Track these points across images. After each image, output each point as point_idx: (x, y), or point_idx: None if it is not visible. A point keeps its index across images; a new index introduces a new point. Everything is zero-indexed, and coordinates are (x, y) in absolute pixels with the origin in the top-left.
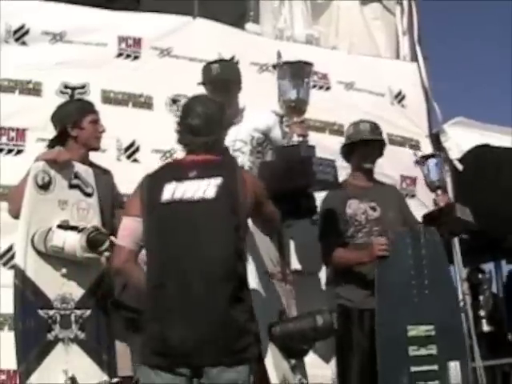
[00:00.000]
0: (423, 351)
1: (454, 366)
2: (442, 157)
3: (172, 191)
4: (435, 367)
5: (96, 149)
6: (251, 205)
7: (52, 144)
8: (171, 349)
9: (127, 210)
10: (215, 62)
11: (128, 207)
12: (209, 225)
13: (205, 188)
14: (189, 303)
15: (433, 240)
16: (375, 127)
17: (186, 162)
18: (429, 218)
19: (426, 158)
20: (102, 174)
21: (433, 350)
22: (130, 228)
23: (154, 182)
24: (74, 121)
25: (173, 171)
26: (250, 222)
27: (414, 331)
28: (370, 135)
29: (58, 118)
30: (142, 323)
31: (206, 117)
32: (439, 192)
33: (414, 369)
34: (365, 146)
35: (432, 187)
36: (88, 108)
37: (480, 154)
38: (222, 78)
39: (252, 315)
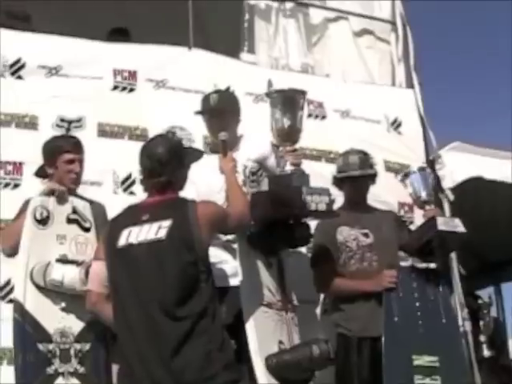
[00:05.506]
0: (428, 381)
1: None
2: (426, 171)
3: (127, 235)
4: None
5: (70, 189)
6: (211, 234)
7: (39, 173)
8: None
9: (95, 253)
10: (215, 92)
11: (96, 251)
12: (161, 265)
13: (156, 230)
14: (146, 342)
15: (436, 275)
16: (365, 159)
17: (142, 205)
18: (414, 236)
19: (409, 174)
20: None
21: (437, 380)
22: (97, 272)
23: (114, 227)
24: (49, 160)
25: (130, 215)
26: (247, 254)
27: (419, 361)
28: (358, 170)
29: (42, 154)
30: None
31: (157, 159)
32: (427, 207)
33: None
34: (353, 181)
35: (419, 204)
36: (64, 147)
37: (474, 187)
38: (219, 108)
39: (220, 345)
